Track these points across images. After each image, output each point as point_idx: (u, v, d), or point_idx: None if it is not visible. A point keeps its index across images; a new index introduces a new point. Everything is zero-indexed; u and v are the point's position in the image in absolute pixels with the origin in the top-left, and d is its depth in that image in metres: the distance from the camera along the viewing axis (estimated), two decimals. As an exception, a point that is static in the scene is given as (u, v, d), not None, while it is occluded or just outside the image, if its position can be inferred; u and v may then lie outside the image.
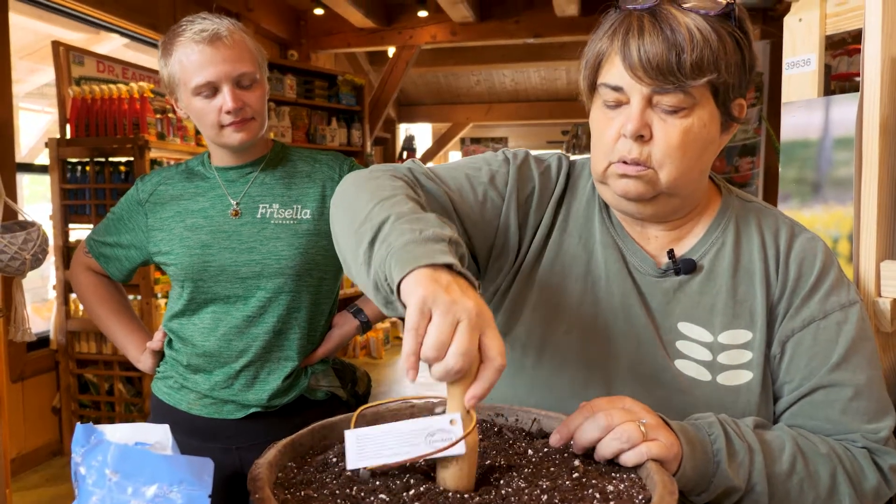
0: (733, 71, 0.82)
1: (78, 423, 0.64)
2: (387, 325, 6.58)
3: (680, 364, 0.87)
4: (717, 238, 0.92)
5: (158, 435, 0.64)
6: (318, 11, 5.79)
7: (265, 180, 1.49)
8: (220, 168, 1.50)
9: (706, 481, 0.77)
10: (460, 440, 0.64)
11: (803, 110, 1.24)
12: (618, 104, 0.84)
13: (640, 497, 0.67)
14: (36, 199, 4.86)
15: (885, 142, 1.01)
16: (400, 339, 6.84)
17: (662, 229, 0.93)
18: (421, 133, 9.97)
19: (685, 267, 0.89)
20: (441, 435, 0.65)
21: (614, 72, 0.83)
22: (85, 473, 0.60)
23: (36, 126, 5.08)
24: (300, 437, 0.80)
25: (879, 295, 1.01)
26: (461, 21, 5.81)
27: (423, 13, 5.84)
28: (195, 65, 1.35)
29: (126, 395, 3.79)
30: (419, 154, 8.95)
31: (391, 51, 6.51)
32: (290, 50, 6.04)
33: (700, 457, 0.76)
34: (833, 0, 1.20)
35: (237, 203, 1.47)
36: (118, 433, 0.64)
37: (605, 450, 0.73)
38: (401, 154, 8.60)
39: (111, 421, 3.70)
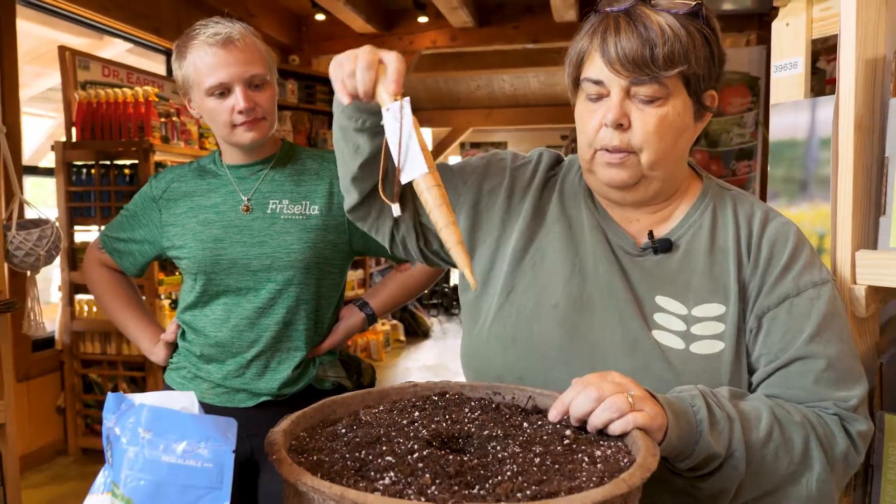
0: (703, 63, 0.91)
1: (109, 392, 0.70)
2: (387, 327, 6.64)
3: (657, 334, 0.95)
4: (694, 221, 1.00)
5: (185, 401, 0.70)
6: (320, 17, 5.85)
7: (275, 177, 1.54)
8: (232, 166, 1.55)
9: (690, 448, 0.82)
10: (404, 107, 0.88)
11: (791, 111, 1.28)
12: (599, 97, 0.93)
13: (625, 460, 0.73)
14: (37, 202, 4.89)
15: (860, 138, 1.07)
16: (400, 341, 6.95)
17: (644, 213, 1.01)
18: (421, 138, 10.02)
19: (662, 246, 0.98)
20: (392, 115, 0.88)
21: (595, 67, 0.92)
22: (119, 434, 0.66)
23: (39, 130, 5.13)
24: (311, 411, 0.86)
25: (855, 282, 1.07)
26: (461, 26, 5.87)
27: (423, 19, 5.90)
28: (209, 67, 1.41)
29: (130, 395, 3.84)
30: (419, 158, 8.99)
31: (391, 56, 6.56)
32: (291, 55, 6.11)
33: (684, 426, 0.81)
34: (819, 6, 1.26)
35: (248, 199, 1.52)
36: (147, 400, 0.69)
37: (596, 420, 0.78)
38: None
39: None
